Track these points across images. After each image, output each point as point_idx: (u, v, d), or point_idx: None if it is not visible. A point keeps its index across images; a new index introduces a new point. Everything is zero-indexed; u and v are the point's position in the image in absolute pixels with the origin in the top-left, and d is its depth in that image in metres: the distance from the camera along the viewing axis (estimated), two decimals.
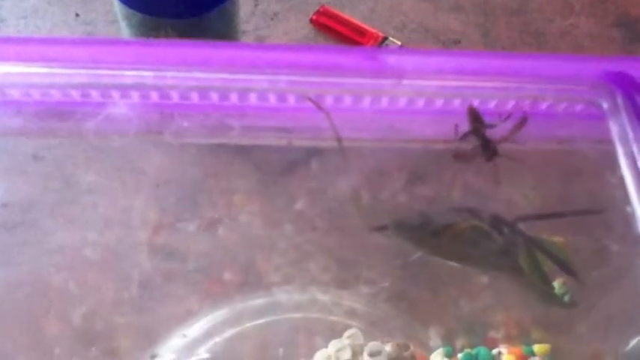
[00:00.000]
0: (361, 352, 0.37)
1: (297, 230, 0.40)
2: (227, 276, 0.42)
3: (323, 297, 0.41)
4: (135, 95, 0.32)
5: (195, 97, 0.32)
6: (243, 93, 0.31)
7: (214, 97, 0.31)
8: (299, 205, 0.41)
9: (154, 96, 0.32)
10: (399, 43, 0.53)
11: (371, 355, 0.36)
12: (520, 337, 0.41)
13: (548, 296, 0.38)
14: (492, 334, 0.41)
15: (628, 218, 0.30)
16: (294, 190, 0.41)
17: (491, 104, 0.32)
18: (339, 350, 0.37)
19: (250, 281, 0.41)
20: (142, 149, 0.38)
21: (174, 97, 0.31)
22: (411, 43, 0.54)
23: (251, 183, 0.43)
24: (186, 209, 0.43)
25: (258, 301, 0.41)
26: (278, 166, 0.42)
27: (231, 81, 0.30)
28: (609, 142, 0.31)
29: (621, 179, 0.30)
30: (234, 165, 0.43)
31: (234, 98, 0.31)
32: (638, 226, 0.29)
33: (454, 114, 0.32)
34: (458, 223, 0.35)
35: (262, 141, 0.36)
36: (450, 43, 0.55)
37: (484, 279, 0.41)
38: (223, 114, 0.32)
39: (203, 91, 0.31)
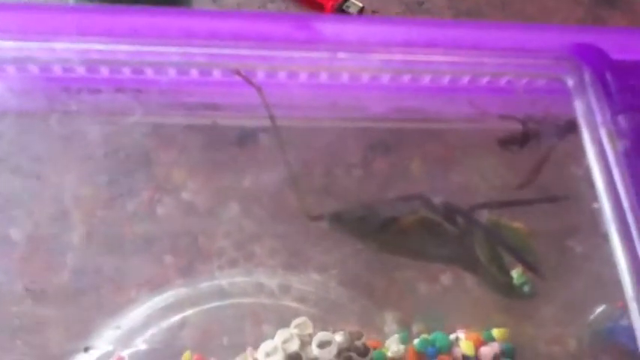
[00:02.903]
0: (310, 343, 0.34)
1: (243, 210, 0.37)
2: (167, 259, 0.38)
3: (270, 281, 0.38)
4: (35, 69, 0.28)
5: (104, 70, 0.28)
6: (159, 67, 0.27)
7: (126, 71, 0.27)
8: (246, 182, 0.38)
9: (57, 70, 0.28)
10: (361, 5, 0.50)
11: (320, 346, 0.34)
12: (479, 321, 0.39)
13: (507, 288, 0.36)
14: (450, 318, 0.39)
15: (592, 210, 0.27)
16: (240, 167, 0.38)
17: (445, 80, 0.29)
18: (286, 341, 0.34)
19: (192, 265, 0.38)
20: (69, 121, 0.34)
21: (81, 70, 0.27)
22: (374, 4, 0.51)
23: (194, 157, 0.39)
24: (123, 187, 0.39)
25: (200, 286, 0.38)
26: (224, 139, 0.39)
27: (145, 54, 0.27)
28: (574, 124, 0.28)
29: (587, 169, 0.27)
30: (175, 138, 0.40)
31: (149, 72, 0.27)
32: (602, 219, 0.27)
33: (404, 90, 0.29)
34: (405, 216, 0.32)
35: (182, 120, 0.32)
36: (414, 5, 0.52)
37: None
38: (136, 89, 0.28)
39: (114, 65, 0.27)
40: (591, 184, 0.27)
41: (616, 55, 0.28)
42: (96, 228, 0.39)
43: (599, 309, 0.38)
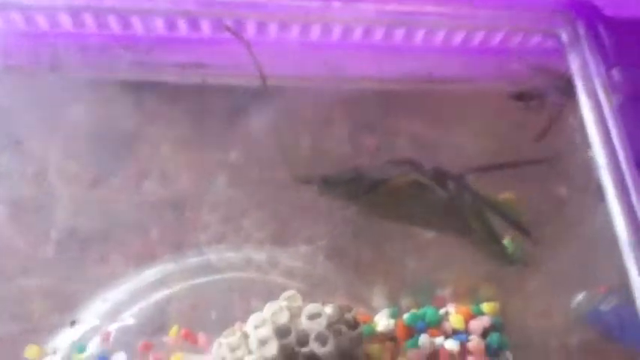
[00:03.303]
0: (299, 315, 0.34)
1: (230, 183, 0.37)
2: (154, 234, 0.38)
3: (258, 256, 0.38)
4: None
5: (90, 22, 0.27)
6: (146, 16, 0.27)
7: (113, 23, 0.27)
8: (232, 155, 0.37)
9: (43, 23, 0.27)
10: None
11: (310, 317, 0.34)
12: (469, 295, 0.39)
13: (499, 255, 0.36)
14: (440, 292, 0.39)
15: (587, 165, 0.27)
16: (227, 140, 0.38)
17: (439, 36, 0.29)
18: (275, 313, 0.34)
19: (179, 240, 0.38)
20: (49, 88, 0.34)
21: (66, 22, 0.27)
22: None
23: (181, 131, 0.39)
24: (109, 161, 0.39)
25: (188, 261, 0.38)
26: (211, 112, 0.39)
27: (129, 1, 0.26)
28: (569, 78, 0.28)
29: (581, 121, 0.27)
30: (162, 111, 0.39)
31: (138, 26, 0.27)
32: (597, 172, 0.27)
33: (397, 50, 0.29)
34: (394, 177, 0.31)
35: (170, 77, 0.32)
36: None
37: (430, 234, 0.39)
38: (123, 45, 0.28)
39: (100, 12, 0.27)
40: (586, 137, 0.27)
41: (609, 12, 0.28)
42: (82, 203, 0.38)
43: (581, 295, 0.38)
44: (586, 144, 0.27)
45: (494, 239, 0.35)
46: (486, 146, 0.34)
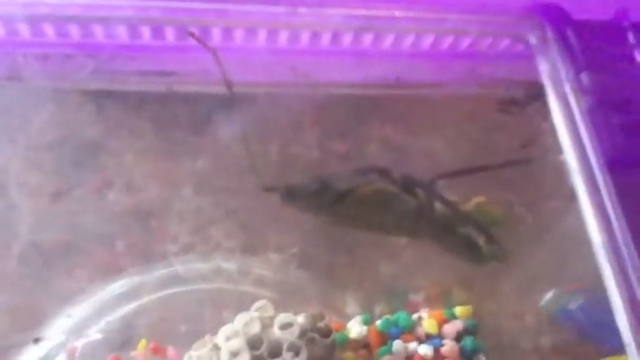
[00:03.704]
0: (271, 325, 0.33)
1: (197, 192, 0.36)
2: (120, 246, 0.37)
3: (228, 265, 0.37)
4: None
5: (51, 32, 0.26)
6: (108, 24, 0.26)
7: (75, 32, 0.26)
8: (200, 164, 0.37)
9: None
10: None
11: (282, 327, 0.33)
12: (442, 299, 0.38)
13: (476, 252, 0.35)
14: (413, 297, 0.39)
15: (559, 168, 0.27)
16: (193, 148, 0.37)
17: (408, 41, 0.28)
18: (246, 324, 0.33)
19: (147, 251, 0.37)
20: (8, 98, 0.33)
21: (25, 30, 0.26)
22: None
23: (146, 140, 0.38)
24: (72, 172, 0.38)
25: (155, 273, 0.37)
26: (177, 120, 0.38)
27: (95, 8, 0.25)
28: (538, 83, 0.28)
29: (552, 125, 0.27)
30: (126, 120, 0.38)
31: (99, 33, 0.26)
32: (569, 175, 0.27)
33: (366, 55, 0.28)
34: (359, 186, 0.31)
35: (135, 87, 0.31)
36: None
37: (403, 240, 0.38)
38: (86, 54, 0.27)
39: (62, 21, 0.26)
40: (557, 141, 0.27)
41: (577, 15, 0.28)
42: (44, 216, 0.37)
43: (549, 294, 0.38)
44: (557, 148, 0.27)
45: (468, 243, 0.34)
46: (458, 150, 0.34)
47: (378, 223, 0.33)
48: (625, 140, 0.26)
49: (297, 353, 0.32)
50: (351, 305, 0.38)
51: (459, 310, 0.38)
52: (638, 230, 0.25)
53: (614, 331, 0.25)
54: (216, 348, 0.33)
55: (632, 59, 0.29)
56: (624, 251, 0.25)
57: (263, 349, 0.32)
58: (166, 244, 0.37)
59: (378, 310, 0.38)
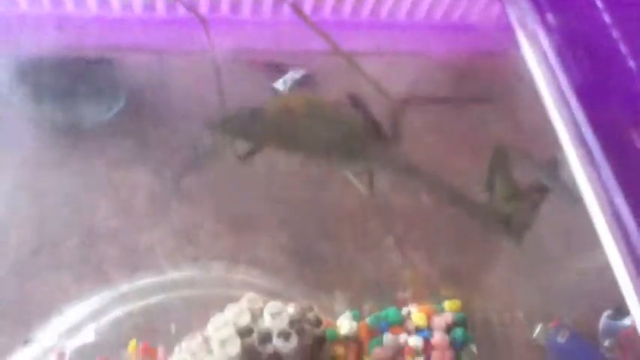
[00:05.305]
0: (261, 316, 0.33)
1: (184, 197, 0.37)
2: (109, 253, 0.37)
3: (216, 267, 0.37)
4: None
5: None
6: None
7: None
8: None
9: None
10: None
11: (272, 315, 0.33)
12: (429, 295, 0.39)
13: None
14: (401, 293, 0.39)
15: (531, 105, 0.28)
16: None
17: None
18: (236, 315, 0.33)
19: (135, 259, 0.37)
20: None
21: None
22: None
23: (131, 153, 0.39)
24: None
25: (144, 281, 0.37)
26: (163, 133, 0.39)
27: None
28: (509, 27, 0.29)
29: (525, 68, 0.28)
30: (113, 136, 0.40)
31: (92, 6, 0.27)
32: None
33: (343, 25, 0.30)
34: (287, 98, 0.30)
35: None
36: None
37: (389, 240, 0.39)
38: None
39: None
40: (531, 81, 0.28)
41: None
42: (34, 224, 0.37)
43: (537, 328, 0.39)
44: (532, 88, 0.28)
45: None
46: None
47: (315, 141, 0.31)
48: (590, 71, 0.27)
49: (287, 340, 0.32)
50: (340, 303, 0.38)
51: (447, 303, 0.38)
52: (609, 143, 0.25)
53: None
54: (206, 340, 0.33)
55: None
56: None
57: (253, 337, 0.32)
58: (154, 251, 0.37)
59: (366, 307, 0.38)
